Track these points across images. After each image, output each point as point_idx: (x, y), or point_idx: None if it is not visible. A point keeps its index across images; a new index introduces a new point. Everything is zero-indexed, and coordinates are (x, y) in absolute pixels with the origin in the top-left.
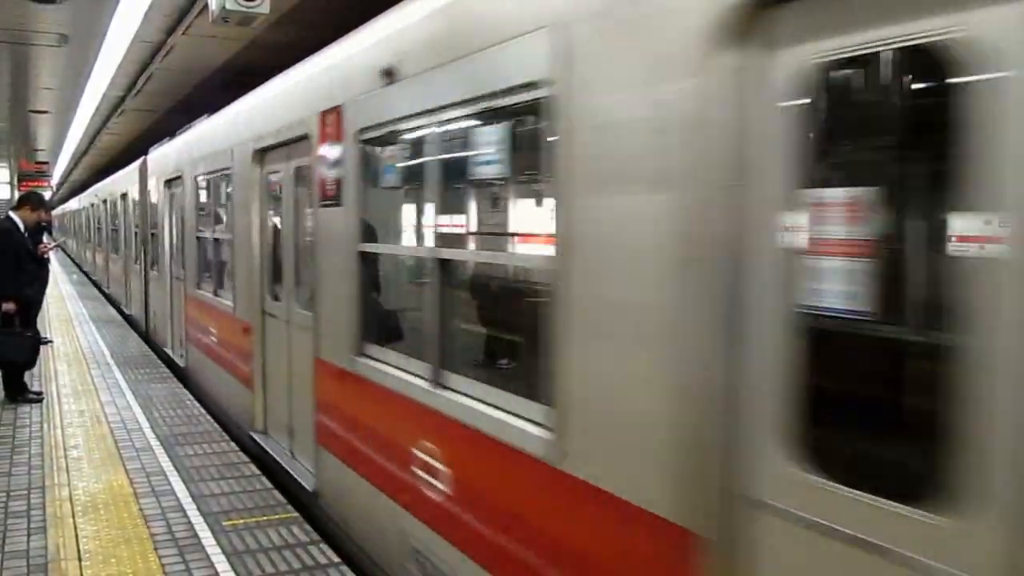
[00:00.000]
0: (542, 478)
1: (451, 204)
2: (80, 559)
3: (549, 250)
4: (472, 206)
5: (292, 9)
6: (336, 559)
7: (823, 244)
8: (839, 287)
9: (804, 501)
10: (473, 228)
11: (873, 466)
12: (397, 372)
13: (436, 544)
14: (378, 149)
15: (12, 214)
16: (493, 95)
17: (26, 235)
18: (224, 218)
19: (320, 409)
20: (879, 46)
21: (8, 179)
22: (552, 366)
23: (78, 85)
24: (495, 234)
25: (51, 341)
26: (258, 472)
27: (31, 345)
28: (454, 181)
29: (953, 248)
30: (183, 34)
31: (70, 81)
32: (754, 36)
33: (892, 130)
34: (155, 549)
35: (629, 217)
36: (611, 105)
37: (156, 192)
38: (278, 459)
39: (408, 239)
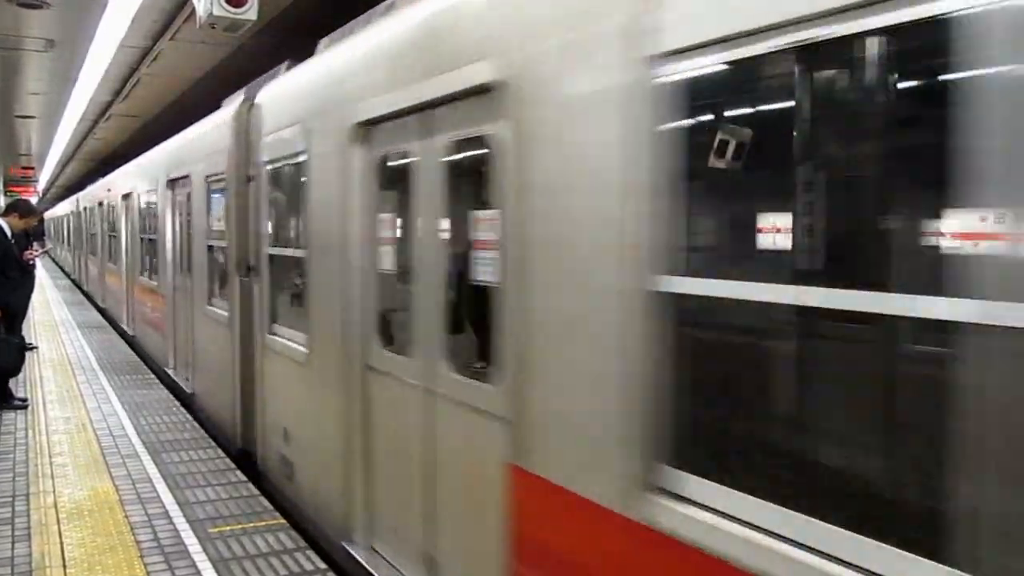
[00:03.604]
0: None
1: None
2: (65, 566)
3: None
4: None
5: (279, 16)
6: (323, 566)
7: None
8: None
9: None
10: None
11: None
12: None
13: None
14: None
15: None
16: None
17: (12, 241)
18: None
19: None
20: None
21: None
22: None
23: (65, 90)
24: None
25: (36, 347)
26: (244, 479)
27: (17, 351)
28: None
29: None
30: (170, 40)
31: (57, 86)
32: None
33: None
34: (141, 556)
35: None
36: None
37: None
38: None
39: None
